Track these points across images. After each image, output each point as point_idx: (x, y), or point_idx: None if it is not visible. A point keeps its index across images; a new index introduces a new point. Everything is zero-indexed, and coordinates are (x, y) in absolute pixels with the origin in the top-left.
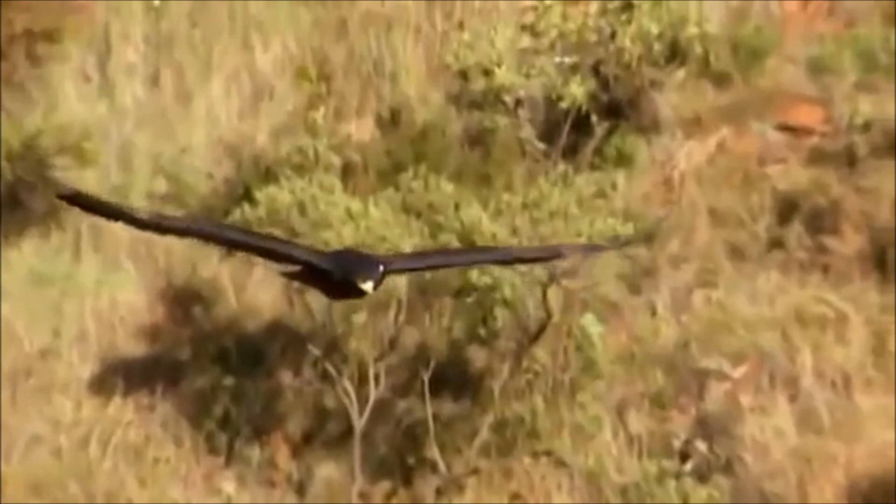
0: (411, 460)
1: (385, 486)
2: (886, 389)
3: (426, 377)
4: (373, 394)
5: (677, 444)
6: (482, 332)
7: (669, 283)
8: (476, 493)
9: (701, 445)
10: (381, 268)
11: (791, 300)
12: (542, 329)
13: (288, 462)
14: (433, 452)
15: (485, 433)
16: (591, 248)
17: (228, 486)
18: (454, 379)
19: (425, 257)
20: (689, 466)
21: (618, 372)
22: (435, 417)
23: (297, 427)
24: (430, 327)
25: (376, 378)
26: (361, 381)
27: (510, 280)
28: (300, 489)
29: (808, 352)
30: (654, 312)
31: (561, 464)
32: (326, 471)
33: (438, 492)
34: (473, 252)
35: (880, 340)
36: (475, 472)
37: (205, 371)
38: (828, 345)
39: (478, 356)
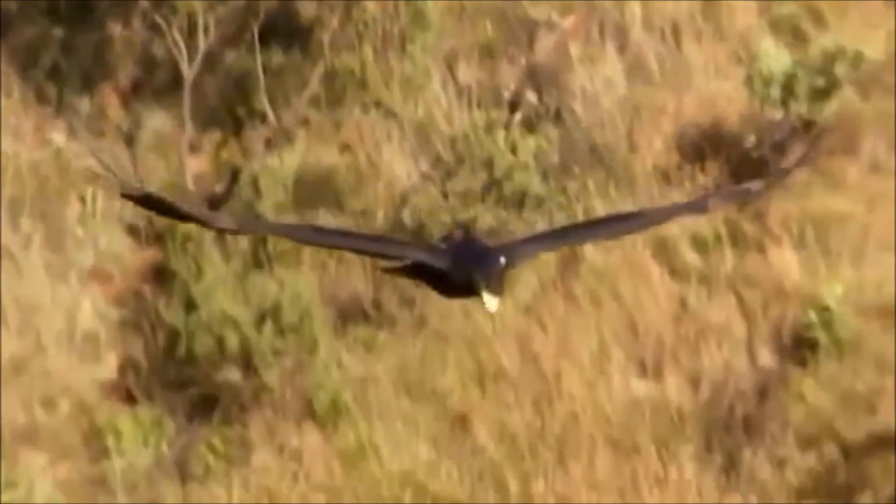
0: (241, 111)
1: (215, 136)
2: (715, 39)
3: (256, 28)
4: (202, 44)
5: (507, 94)
6: None
7: None
8: (306, 144)
9: (530, 96)
10: (502, 260)
11: None
12: None
13: (118, 112)
14: (263, 103)
15: (315, 84)
16: (742, 192)
17: (58, 137)
18: (284, 30)
19: (551, 237)
20: (518, 116)
21: (447, 23)
22: (265, 68)
23: (127, 77)
24: None
25: (206, 29)
26: (191, 32)
27: None
28: (130, 139)
29: (638, 1)
30: None
31: (391, 114)
32: (156, 121)
33: (268, 142)
34: (606, 223)
35: None
36: (305, 122)
37: (33, 22)
38: None
39: (308, 7)
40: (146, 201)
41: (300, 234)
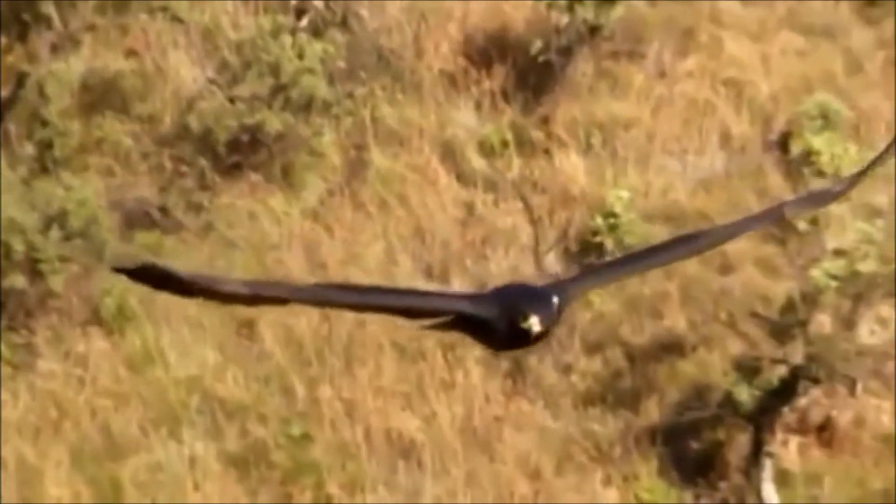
0: (26, 16)
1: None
2: None
3: None
4: None
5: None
6: None
7: None
8: (92, 50)
9: (317, 1)
10: (556, 300)
11: None
12: None
13: None
14: (48, 8)
15: None
16: (822, 195)
17: None
18: None
19: (613, 267)
20: (304, 22)
21: None
22: None
23: None
24: None
25: None
26: None
27: None
28: None
29: None
30: None
31: (177, 20)
32: None
33: (54, 47)
34: (673, 246)
35: None
36: (91, 28)
37: None
38: None
39: None
40: (142, 275)
41: (326, 296)
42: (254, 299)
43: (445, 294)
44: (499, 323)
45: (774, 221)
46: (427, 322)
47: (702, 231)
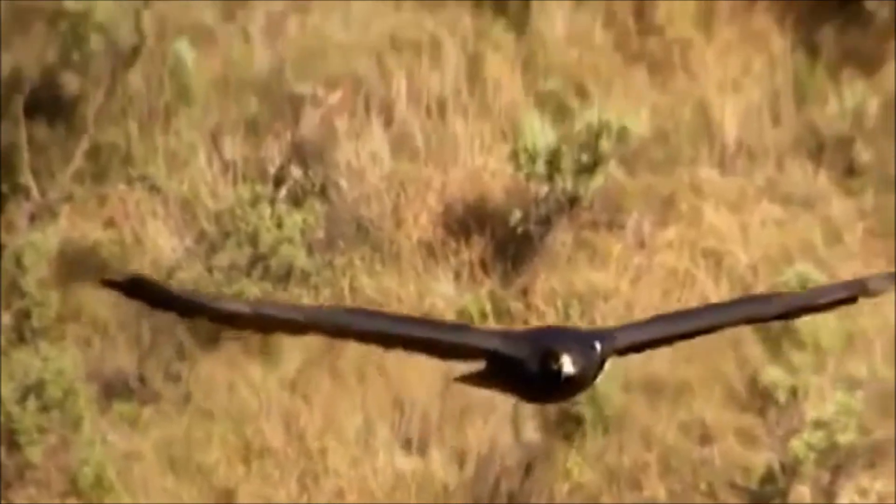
0: (4, 186)
1: None
2: (481, 114)
3: (20, 102)
4: None
5: (272, 169)
6: (76, 56)
7: (264, 9)
8: (70, 220)
9: (296, 171)
10: (598, 346)
11: (386, 24)
12: (135, 54)
13: None
14: (27, 178)
15: (79, 159)
16: None
17: None
18: (48, 104)
19: (668, 320)
20: (283, 191)
21: (212, 98)
22: (29, 142)
23: None
24: (24, 52)
25: None
26: None
27: (104, 4)
28: None
29: (403, 77)
30: (247, 38)
31: (155, 190)
32: None
33: (32, 217)
34: (738, 306)
35: (475, 65)
36: (69, 198)
37: None
38: (423, 70)
39: (72, 81)
40: (134, 289)
41: (348, 321)
42: (260, 321)
43: (477, 330)
44: (531, 364)
45: (857, 295)
46: (463, 373)
47: (773, 294)
